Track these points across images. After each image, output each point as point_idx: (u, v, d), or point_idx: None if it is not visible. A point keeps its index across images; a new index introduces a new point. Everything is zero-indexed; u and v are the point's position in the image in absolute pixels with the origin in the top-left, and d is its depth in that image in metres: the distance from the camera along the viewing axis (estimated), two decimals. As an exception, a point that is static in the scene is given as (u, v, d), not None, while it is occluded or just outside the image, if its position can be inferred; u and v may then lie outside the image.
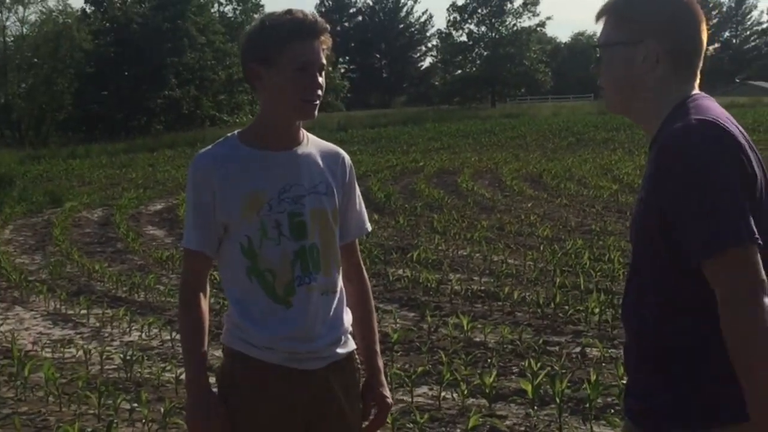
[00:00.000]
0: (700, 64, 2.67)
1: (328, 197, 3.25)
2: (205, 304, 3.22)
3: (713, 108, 2.55)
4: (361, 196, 3.46)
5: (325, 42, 3.16)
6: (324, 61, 3.15)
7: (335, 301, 3.27)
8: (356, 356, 3.38)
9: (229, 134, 3.28)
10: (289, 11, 3.17)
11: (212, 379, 3.22)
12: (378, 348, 3.47)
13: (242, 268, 3.17)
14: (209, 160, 3.17)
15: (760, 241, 2.34)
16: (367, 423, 3.41)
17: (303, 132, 3.27)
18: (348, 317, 3.34)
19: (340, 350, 3.26)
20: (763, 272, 2.33)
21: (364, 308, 3.46)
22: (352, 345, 3.34)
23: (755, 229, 2.34)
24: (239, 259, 3.16)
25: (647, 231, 2.53)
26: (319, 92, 3.14)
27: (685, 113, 2.51)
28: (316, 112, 3.16)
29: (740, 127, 2.54)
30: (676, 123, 2.49)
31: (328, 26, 3.18)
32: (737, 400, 2.37)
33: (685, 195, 2.37)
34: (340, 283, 3.31)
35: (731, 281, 2.32)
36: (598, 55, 2.75)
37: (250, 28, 3.20)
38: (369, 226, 3.52)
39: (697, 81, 2.67)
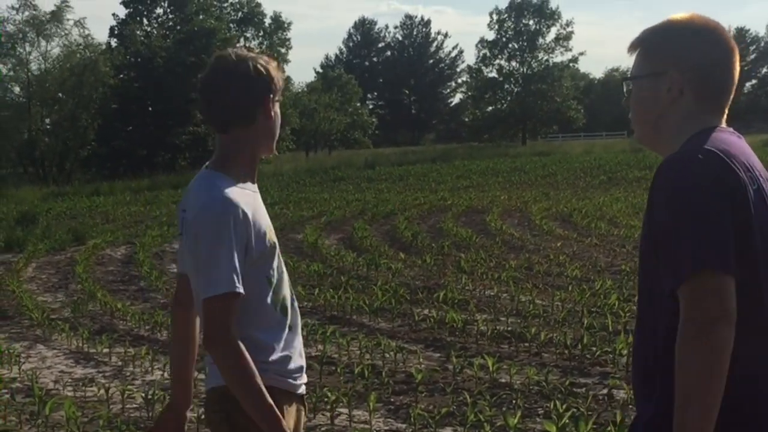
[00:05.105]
0: (729, 100, 2.62)
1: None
2: None
3: (728, 141, 2.49)
4: None
5: None
6: None
7: None
8: None
9: (211, 174, 3.22)
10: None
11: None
12: None
13: (268, 299, 3.19)
14: (239, 198, 3.12)
15: (732, 272, 2.28)
16: None
17: None
18: None
19: None
20: (731, 303, 2.27)
21: None
22: None
23: (731, 261, 2.28)
24: (265, 292, 3.18)
25: (645, 256, 2.51)
26: None
27: (693, 141, 2.48)
28: None
29: (756, 167, 2.50)
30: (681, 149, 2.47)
31: None
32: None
33: (665, 222, 2.35)
34: None
35: (694, 307, 2.27)
36: (627, 89, 2.73)
37: (254, 67, 3.20)
38: None
39: (724, 116, 2.62)
